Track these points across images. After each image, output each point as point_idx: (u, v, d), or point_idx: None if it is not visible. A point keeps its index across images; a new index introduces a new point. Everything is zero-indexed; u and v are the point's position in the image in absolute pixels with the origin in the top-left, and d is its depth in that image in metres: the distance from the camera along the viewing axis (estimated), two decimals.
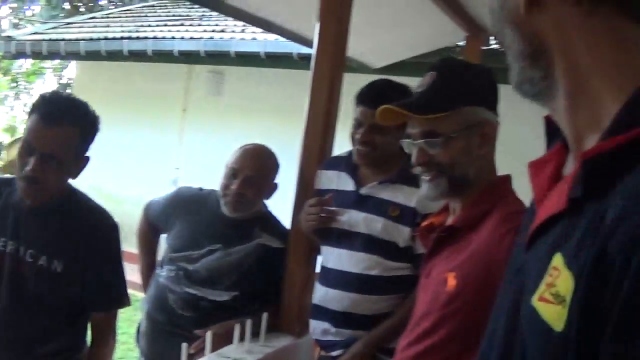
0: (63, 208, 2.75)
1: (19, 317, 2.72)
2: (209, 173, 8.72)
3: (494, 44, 7.53)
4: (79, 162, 2.71)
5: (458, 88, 2.10)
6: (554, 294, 0.92)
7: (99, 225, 2.85)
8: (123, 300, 2.96)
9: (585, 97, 1.02)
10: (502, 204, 2.08)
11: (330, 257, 3.13)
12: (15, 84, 20.88)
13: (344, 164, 3.20)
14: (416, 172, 2.16)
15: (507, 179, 2.20)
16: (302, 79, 8.19)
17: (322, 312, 3.10)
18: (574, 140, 1.07)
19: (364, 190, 3.07)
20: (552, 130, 1.20)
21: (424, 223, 2.35)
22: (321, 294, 3.13)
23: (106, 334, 2.99)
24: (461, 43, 6.54)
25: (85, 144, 2.70)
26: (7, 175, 3.12)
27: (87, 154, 2.73)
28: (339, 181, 3.19)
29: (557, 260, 0.94)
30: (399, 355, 2.15)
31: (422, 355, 2.03)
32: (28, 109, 2.73)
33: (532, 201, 1.24)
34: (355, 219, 3.05)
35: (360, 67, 6.46)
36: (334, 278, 3.07)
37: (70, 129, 2.59)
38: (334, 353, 3.06)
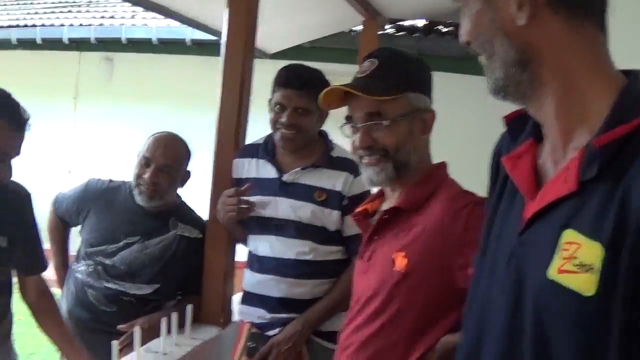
0: None
1: None
2: (103, 160, 8.61)
3: (389, 29, 7.66)
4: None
5: (402, 74, 2.15)
6: (577, 264, 1.05)
7: (17, 195, 2.84)
8: (47, 263, 3.02)
9: (575, 96, 1.19)
10: (444, 186, 2.15)
11: (260, 245, 3.11)
12: None
13: (261, 151, 3.18)
14: (357, 155, 2.16)
15: (444, 165, 2.26)
16: (196, 64, 8.19)
17: (256, 299, 3.09)
18: (561, 133, 1.21)
19: (287, 177, 3.06)
20: (515, 128, 1.37)
21: (358, 209, 2.37)
22: (254, 280, 3.11)
23: (47, 291, 3.00)
24: (357, 28, 6.57)
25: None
26: None
27: None
28: (258, 169, 3.16)
29: (570, 235, 1.07)
30: (347, 339, 2.15)
31: (375, 335, 2.05)
32: None
33: (494, 188, 1.36)
34: (282, 206, 3.04)
35: (256, 53, 6.41)
36: (268, 264, 3.05)
37: None
38: (270, 332, 3.05)
